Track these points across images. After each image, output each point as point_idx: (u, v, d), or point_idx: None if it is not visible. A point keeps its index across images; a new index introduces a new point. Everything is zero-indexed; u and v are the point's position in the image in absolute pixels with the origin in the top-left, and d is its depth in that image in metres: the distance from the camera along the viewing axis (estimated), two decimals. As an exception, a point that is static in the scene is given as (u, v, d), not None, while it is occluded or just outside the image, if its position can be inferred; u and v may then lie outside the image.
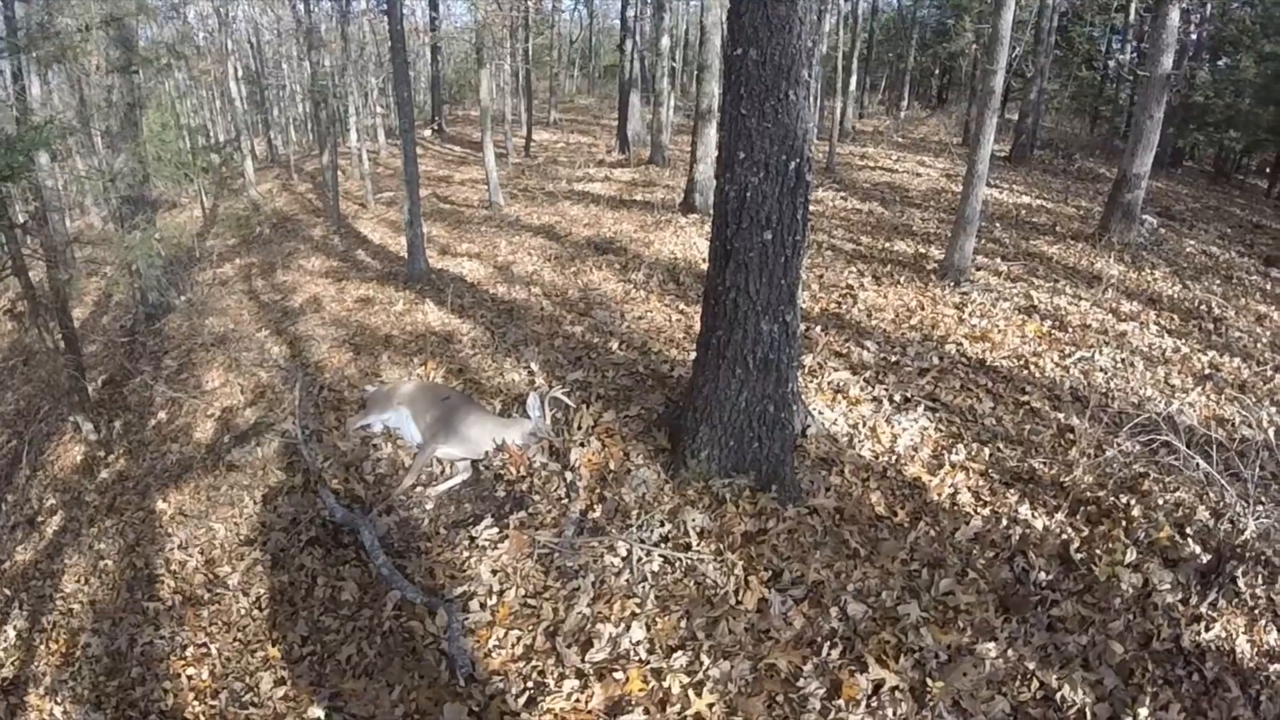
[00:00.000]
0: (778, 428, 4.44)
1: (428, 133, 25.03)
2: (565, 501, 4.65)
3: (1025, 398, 5.50)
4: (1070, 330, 6.69)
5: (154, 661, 4.47)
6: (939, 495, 4.46)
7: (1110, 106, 22.01)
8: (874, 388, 5.62)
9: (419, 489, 5.25)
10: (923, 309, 7.09)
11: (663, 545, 4.07)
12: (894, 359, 6.06)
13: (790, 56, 3.89)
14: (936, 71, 27.89)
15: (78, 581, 5.61)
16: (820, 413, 5.22)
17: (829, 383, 5.70)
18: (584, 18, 38.52)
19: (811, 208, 10.99)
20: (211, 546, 5.39)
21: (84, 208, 18.25)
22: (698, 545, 4.04)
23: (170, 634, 4.62)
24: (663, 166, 15.35)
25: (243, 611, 4.65)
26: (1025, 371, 5.92)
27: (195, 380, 8.47)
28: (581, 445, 5.06)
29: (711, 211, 4.39)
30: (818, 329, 6.65)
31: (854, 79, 19.22)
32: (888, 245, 9.20)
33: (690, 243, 9.61)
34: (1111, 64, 20.83)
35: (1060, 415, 5.28)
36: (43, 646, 5.05)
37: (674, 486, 4.52)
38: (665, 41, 16.05)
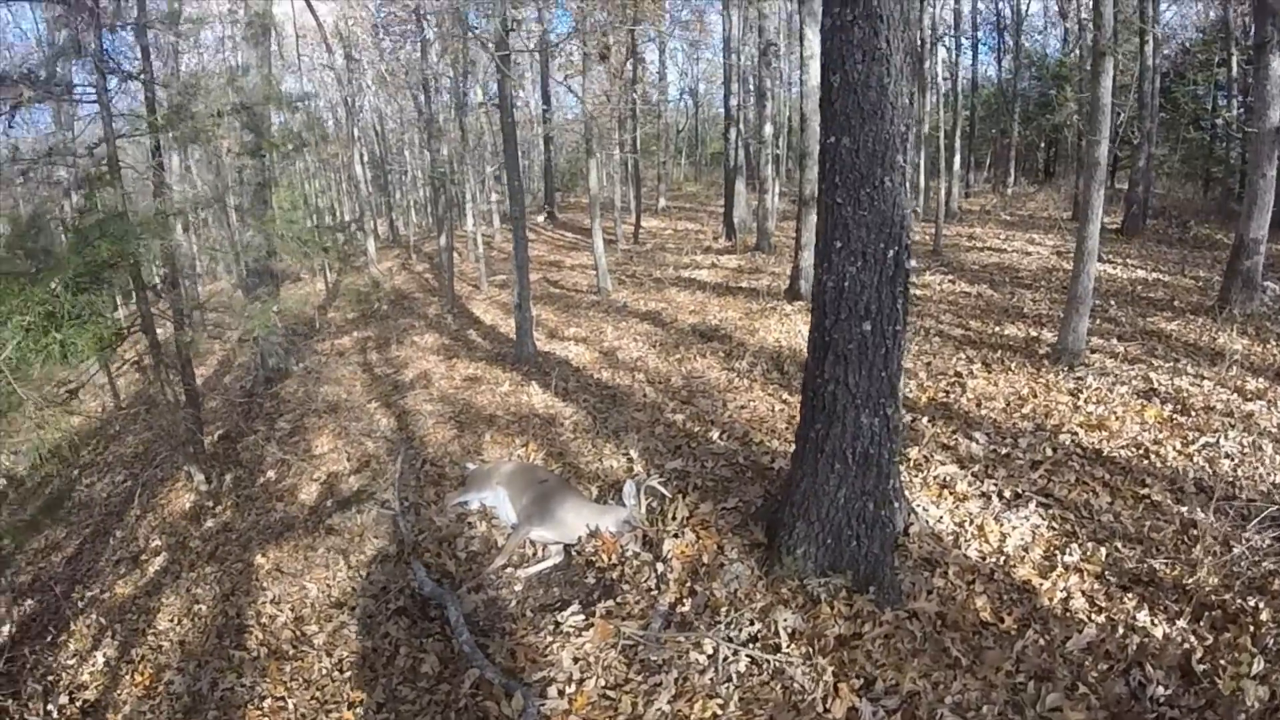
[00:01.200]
0: (877, 526, 4.33)
1: (541, 218, 26.12)
2: (654, 593, 4.62)
3: (1145, 490, 5.14)
4: (1193, 414, 6.23)
5: (232, 708, 4.62)
6: (1050, 600, 4.19)
7: (1222, 167, 20.80)
8: (983, 482, 5.39)
9: (509, 569, 5.32)
10: (1035, 396, 6.79)
11: (751, 645, 3.98)
12: (1004, 451, 5.80)
13: (884, 142, 3.90)
14: (1041, 144, 26.95)
15: (170, 621, 5.89)
16: (925, 509, 5.03)
17: (935, 477, 5.51)
18: (690, 107, 39.93)
19: (919, 292, 11.02)
20: (302, 604, 5.58)
21: (216, 273, 19.68)
22: (787, 647, 3.93)
23: (251, 683, 4.78)
24: (768, 253, 15.44)
25: (324, 671, 4.77)
26: (1145, 461, 5.55)
27: (305, 444, 8.90)
28: (675, 536, 5.05)
29: (816, 298, 4.38)
30: (924, 420, 6.45)
31: (958, 157, 18.99)
32: (998, 329, 8.91)
33: (795, 330, 9.60)
34: (1219, 122, 19.73)
35: (1183, 509, 4.89)
36: (128, 677, 5.29)
37: (767, 583, 4.42)
38: (768, 129, 16.31)
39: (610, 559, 5.08)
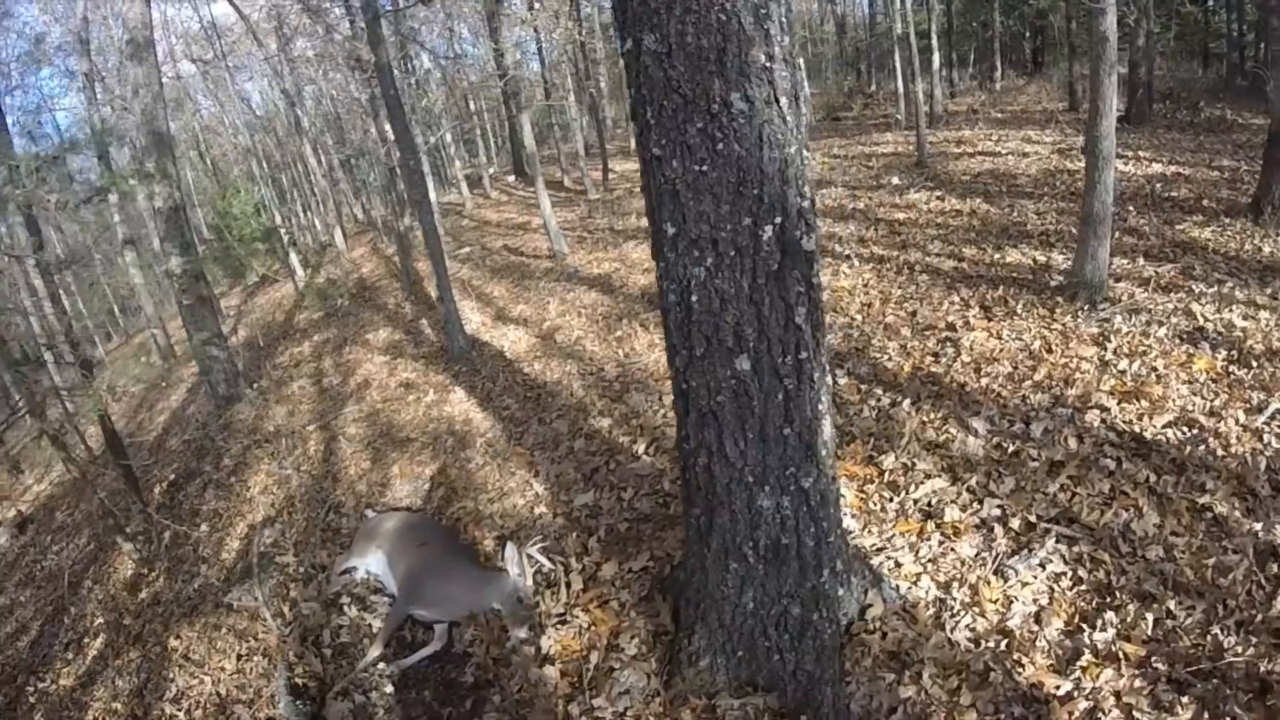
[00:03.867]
0: (807, 635, 2.89)
1: (511, 178, 24.35)
2: (526, 713, 3.36)
3: (1204, 497, 3.46)
4: (1254, 363, 4.48)
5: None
6: (1070, 716, 2.70)
7: (1221, 42, 18.42)
8: (982, 504, 3.75)
9: (382, 664, 4.11)
10: (1050, 352, 5.06)
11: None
12: (1012, 446, 4.13)
13: (720, 31, 2.14)
14: (1026, 34, 24.42)
15: (93, 722, 5.13)
16: (898, 564, 3.50)
17: (916, 500, 3.91)
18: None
19: (904, 214, 9.16)
20: (198, 705, 4.62)
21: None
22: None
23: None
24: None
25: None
26: (1201, 447, 3.80)
27: (243, 484, 7.77)
28: (561, 622, 3.73)
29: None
30: (905, 402, 4.81)
31: (937, 56, 16.67)
32: (998, 256, 7.13)
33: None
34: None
35: (1258, 525, 3.24)
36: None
37: (666, 700, 3.08)
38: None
39: (488, 650, 3.83)
